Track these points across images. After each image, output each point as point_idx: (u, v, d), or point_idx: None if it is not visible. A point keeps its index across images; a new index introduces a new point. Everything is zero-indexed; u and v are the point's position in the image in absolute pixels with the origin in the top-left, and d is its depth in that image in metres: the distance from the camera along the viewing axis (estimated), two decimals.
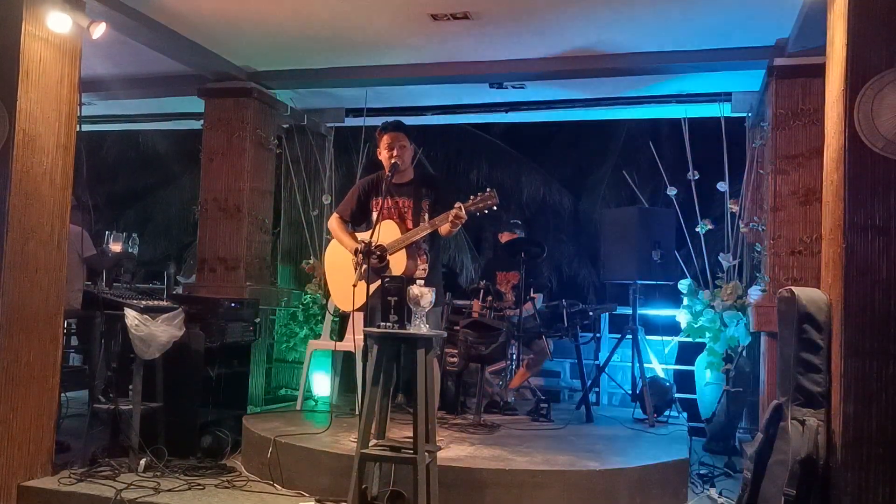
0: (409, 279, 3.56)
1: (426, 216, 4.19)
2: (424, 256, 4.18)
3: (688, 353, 6.13)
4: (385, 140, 4.23)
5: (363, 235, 4.21)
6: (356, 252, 4.07)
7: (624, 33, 4.98)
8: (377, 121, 7.28)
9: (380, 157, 4.29)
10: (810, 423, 3.07)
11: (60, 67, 4.14)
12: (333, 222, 4.41)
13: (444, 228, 4.00)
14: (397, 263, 4.07)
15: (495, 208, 3.85)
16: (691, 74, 5.59)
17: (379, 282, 3.69)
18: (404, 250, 4.07)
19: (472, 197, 3.91)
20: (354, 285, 3.91)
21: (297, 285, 6.78)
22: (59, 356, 4.19)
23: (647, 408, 5.21)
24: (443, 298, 4.69)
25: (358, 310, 4.05)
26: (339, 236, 4.32)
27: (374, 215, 4.23)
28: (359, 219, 4.42)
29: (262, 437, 4.30)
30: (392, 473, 3.66)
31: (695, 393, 5.70)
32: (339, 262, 4.30)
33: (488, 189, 3.90)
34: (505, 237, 6.35)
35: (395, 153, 4.18)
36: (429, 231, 4.04)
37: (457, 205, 3.87)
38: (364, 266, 3.92)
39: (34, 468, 4.03)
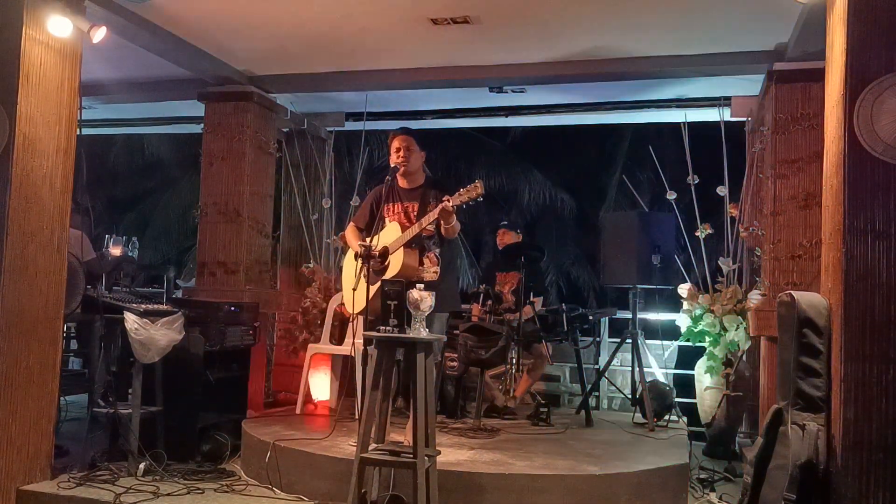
0: (409, 283, 3.55)
1: None
2: (435, 259, 4.19)
3: (688, 357, 6.12)
4: (393, 144, 4.31)
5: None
6: (356, 256, 4.08)
7: (624, 37, 4.99)
8: (377, 125, 7.33)
9: (391, 162, 4.34)
10: (810, 428, 3.07)
11: (61, 71, 4.15)
12: (348, 232, 4.45)
13: (442, 227, 4.02)
14: (394, 263, 4.08)
15: (480, 199, 3.90)
16: (691, 79, 5.59)
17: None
18: (401, 250, 4.09)
19: (460, 189, 3.94)
20: (354, 289, 3.93)
21: (297, 289, 6.77)
22: (58, 360, 4.19)
23: (647, 412, 5.20)
24: (455, 304, 4.68)
25: (360, 313, 4.06)
26: (351, 243, 4.34)
27: (387, 221, 4.27)
28: (371, 226, 4.43)
29: (261, 441, 4.30)
30: (392, 478, 3.66)
31: (695, 397, 5.69)
32: (351, 270, 4.31)
33: (476, 181, 3.94)
34: (501, 235, 6.36)
35: (401, 155, 4.25)
36: (421, 227, 4.05)
37: (444, 198, 3.91)
38: (363, 270, 3.92)
39: (33, 472, 4.02)
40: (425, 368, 3.38)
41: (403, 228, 4.14)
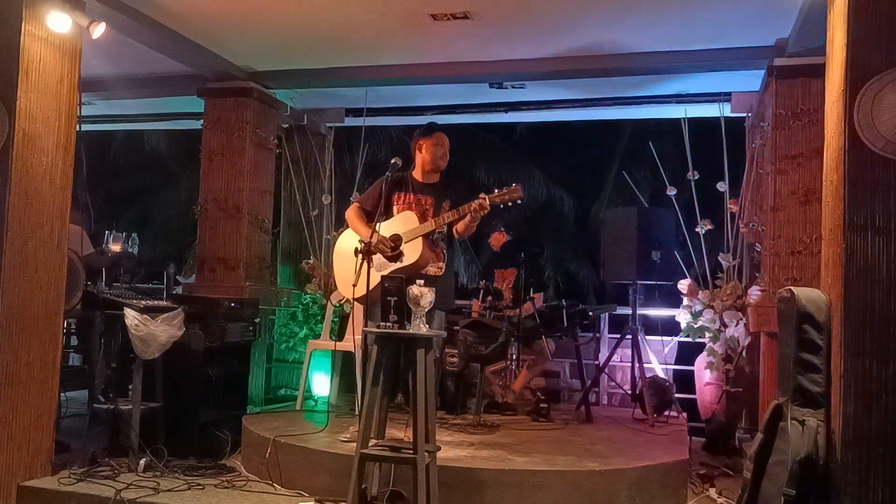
0: (408, 278, 3.55)
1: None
2: (442, 255, 4.18)
3: (687, 352, 6.13)
4: (444, 141, 4.32)
5: (384, 226, 4.15)
6: (356, 252, 4.04)
7: (624, 33, 4.98)
8: (377, 121, 7.33)
9: (419, 153, 4.33)
10: (810, 423, 3.07)
11: (60, 67, 4.14)
12: (351, 212, 4.38)
13: (462, 225, 4.00)
14: (412, 251, 4.03)
15: (520, 202, 3.86)
16: (691, 74, 5.59)
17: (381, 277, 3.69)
18: (421, 238, 4.04)
19: (496, 189, 3.90)
20: (354, 285, 3.90)
21: (297, 285, 6.78)
22: (58, 356, 4.19)
23: (647, 408, 5.21)
24: (453, 303, 4.67)
25: (358, 300, 4.04)
26: (356, 225, 4.28)
27: (395, 210, 4.24)
28: (377, 210, 4.40)
29: (261, 437, 4.30)
30: (392, 473, 3.66)
31: (694, 393, 5.69)
32: (349, 249, 4.23)
33: (514, 184, 3.91)
34: (490, 239, 6.36)
35: (446, 154, 4.30)
36: (452, 219, 4.01)
37: (480, 195, 3.85)
38: (363, 266, 3.89)
39: (34, 468, 4.03)
40: (425, 364, 3.38)
41: (420, 220, 4.11)
